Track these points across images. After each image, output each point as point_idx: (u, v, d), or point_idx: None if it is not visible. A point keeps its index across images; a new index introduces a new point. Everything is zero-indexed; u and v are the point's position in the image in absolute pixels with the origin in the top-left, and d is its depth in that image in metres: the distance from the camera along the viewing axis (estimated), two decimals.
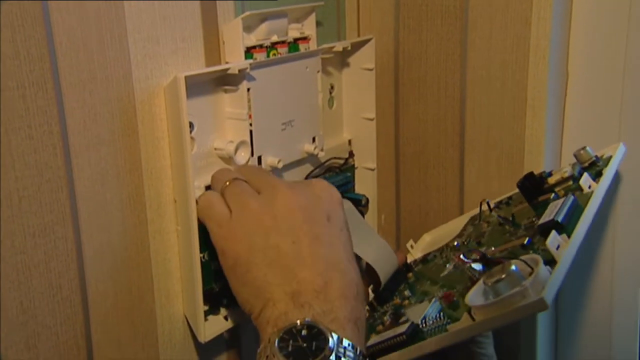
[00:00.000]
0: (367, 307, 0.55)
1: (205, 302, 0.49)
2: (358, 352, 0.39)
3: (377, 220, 0.66)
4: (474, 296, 0.42)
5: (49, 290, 0.42)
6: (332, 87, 0.62)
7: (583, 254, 0.63)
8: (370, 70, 0.61)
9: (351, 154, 0.64)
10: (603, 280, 0.63)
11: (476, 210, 0.60)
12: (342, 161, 0.63)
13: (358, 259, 0.51)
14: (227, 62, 0.51)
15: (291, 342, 0.38)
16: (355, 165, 0.65)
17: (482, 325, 0.41)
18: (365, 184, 0.65)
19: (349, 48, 0.59)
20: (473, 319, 0.41)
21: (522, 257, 0.42)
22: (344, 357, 0.38)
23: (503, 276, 0.40)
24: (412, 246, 0.64)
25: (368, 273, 0.54)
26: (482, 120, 0.60)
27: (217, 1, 0.50)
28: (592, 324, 0.64)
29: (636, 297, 0.62)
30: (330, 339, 0.38)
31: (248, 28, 0.52)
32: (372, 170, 0.64)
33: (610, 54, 0.58)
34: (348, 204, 0.54)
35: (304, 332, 0.39)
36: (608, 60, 0.58)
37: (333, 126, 0.63)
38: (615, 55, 0.58)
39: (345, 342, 0.39)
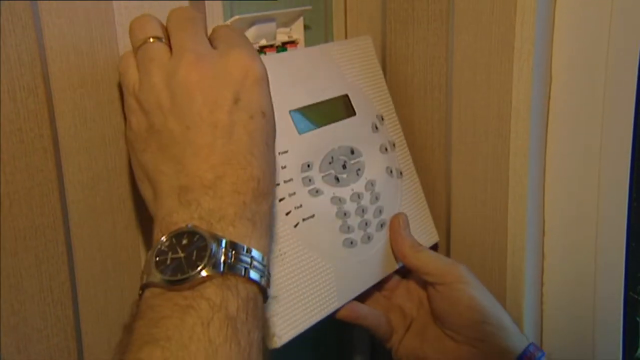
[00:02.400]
0: None
1: None
2: (252, 252, 0.37)
3: None
4: None
5: (40, 293, 0.42)
6: None
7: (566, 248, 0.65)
8: None
9: None
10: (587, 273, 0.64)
11: None
12: None
13: None
14: None
15: (170, 254, 0.35)
16: None
17: None
18: None
19: None
20: None
21: None
22: (234, 260, 0.36)
23: None
24: None
25: None
26: (468, 123, 0.61)
27: (206, 2, 0.50)
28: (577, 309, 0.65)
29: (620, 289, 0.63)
30: (213, 242, 0.35)
31: None
32: None
33: (592, 58, 0.59)
34: None
35: (184, 241, 0.36)
36: (590, 63, 0.59)
37: None
38: (597, 58, 0.59)
39: (238, 244, 0.36)
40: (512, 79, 0.57)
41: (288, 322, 0.48)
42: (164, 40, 0.41)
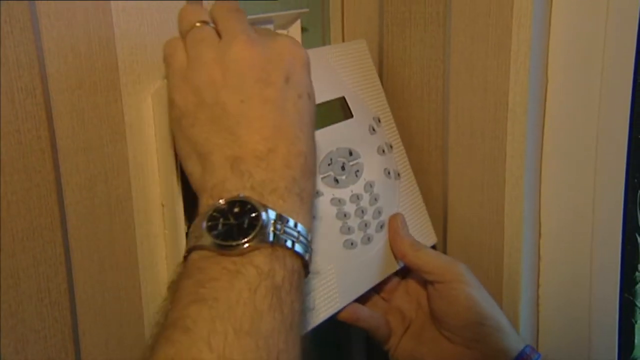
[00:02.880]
0: None
1: None
2: (298, 227, 0.38)
3: None
4: None
5: (38, 294, 0.42)
6: None
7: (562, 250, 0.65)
8: None
9: None
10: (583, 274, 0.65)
11: None
12: None
13: None
14: None
15: (221, 220, 0.36)
16: None
17: None
18: None
19: None
20: None
21: None
22: (282, 233, 0.37)
23: None
24: None
25: None
26: (465, 125, 0.61)
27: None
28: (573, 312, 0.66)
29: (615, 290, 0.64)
30: (264, 213, 0.36)
31: None
32: None
33: (588, 60, 0.59)
34: None
35: (236, 209, 0.36)
36: (586, 65, 0.60)
37: None
38: (593, 61, 0.59)
39: (286, 218, 0.37)
40: (509, 82, 0.58)
41: None
42: (212, 25, 0.42)
